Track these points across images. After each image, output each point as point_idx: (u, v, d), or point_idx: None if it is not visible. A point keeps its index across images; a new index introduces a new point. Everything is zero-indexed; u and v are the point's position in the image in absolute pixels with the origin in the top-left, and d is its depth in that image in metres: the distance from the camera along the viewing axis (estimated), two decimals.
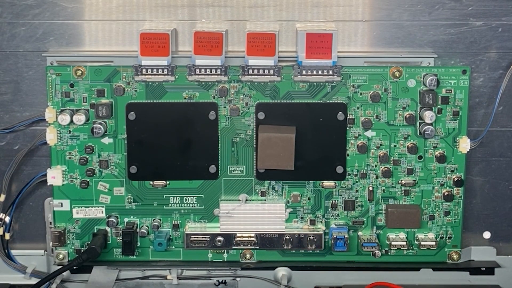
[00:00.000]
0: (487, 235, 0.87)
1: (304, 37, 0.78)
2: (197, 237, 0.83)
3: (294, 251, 0.84)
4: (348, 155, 0.82)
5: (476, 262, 0.86)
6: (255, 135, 0.82)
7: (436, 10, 0.82)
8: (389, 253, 0.84)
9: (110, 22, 0.82)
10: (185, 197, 0.83)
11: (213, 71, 0.79)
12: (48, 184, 0.83)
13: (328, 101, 0.81)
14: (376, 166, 0.83)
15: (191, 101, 0.81)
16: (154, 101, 0.81)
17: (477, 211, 0.86)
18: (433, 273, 0.85)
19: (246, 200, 0.83)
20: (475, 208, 0.86)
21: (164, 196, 0.83)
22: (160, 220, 0.84)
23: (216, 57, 0.79)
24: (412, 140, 0.82)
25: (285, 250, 0.84)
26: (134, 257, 0.85)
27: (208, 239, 0.83)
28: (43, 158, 0.85)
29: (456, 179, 0.83)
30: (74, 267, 0.84)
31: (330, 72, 0.80)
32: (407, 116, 0.81)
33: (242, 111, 0.82)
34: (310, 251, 0.84)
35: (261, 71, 0.80)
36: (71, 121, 0.80)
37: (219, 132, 0.82)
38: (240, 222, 0.83)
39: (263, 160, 0.80)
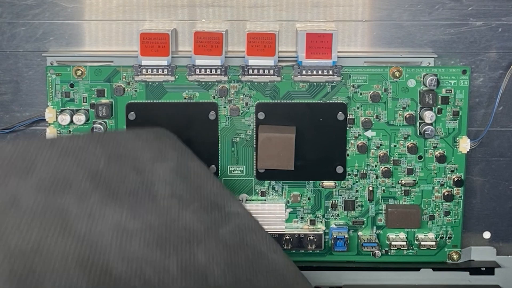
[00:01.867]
0: (487, 235, 0.87)
1: (304, 37, 0.78)
2: None
3: (294, 251, 0.84)
4: (348, 155, 0.82)
5: (476, 262, 0.86)
6: (255, 135, 0.82)
7: (436, 10, 0.82)
8: (389, 253, 0.84)
9: (110, 22, 0.82)
10: None
11: (213, 71, 0.79)
12: None
13: (328, 101, 0.81)
14: (376, 166, 0.83)
15: (191, 101, 0.81)
16: (154, 101, 0.81)
17: (477, 211, 0.86)
18: (433, 273, 0.84)
19: (246, 200, 0.83)
20: (475, 208, 0.86)
21: None
22: None
23: (216, 57, 0.79)
24: (412, 140, 0.82)
25: (285, 250, 0.84)
26: None
27: None
28: None
29: (456, 179, 0.83)
30: None
31: (330, 72, 0.80)
32: (407, 116, 0.81)
33: (242, 111, 0.82)
34: (310, 251, 0.84)
35: (261, 71, 0.80)
36: (71, 121, 0.80)
37: (219, 132, 0.82)
38: None
39: (263, 160, 0.80)
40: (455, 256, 0.84)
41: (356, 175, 0.83)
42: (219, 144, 0.82)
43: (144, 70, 0.79)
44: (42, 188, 0.57)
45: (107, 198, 0.59)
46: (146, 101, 0.81)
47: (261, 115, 0.81)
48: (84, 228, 0.55)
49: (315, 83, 0.81)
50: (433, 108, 0.81)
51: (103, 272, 0.51)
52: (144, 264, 0.54)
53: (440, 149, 0.82)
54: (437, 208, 0.84)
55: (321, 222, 0.84)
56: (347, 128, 0.82)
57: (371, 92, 0.81)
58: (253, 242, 0.63)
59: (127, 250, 0.55)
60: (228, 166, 0.83)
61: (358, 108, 0.82)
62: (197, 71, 0.79)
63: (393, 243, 0.83)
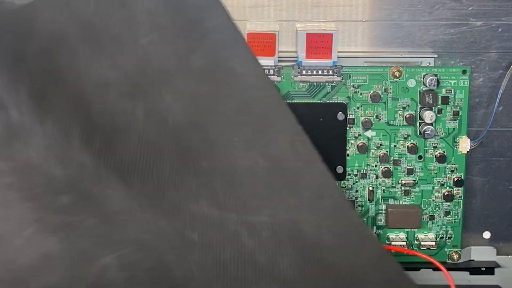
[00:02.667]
0: (487, 235, 0.87)
1: (304, 37, 0.78)
2: None
3: None
4: (348, 155, 0.82)
5: (476, 262, 0.86)
6: None
7: (436, 10, 0.82)
8: (389, 253, 0.84)
9: None
10: None
11: None
12: None
13: (328, 101, 0.81)
14: (376, 166, 0.83)
15: None
16: None
17: (477, 211, 0.86)
18: (433, 273, 0.84)
19: None
20: (475, 208, 0.86)
21: None
22: None
23: None
24: (412, 140, 0.82)
25: None
26: None
27: None
28: None
29: (456, 179, 0.83)
30: None
31: (330, 72, 0.80)
32: (407, 116, 0.81)
33: None
34: None
35: None
36: None
37: None
38: None
39: None
40: (455, 256, 0.84)
41: (356, 175, 0.83)
42: None
43: None
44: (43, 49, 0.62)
45: (93, 48, 0.61)
46: None
47: None
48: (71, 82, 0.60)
49: (315, 83, 0.81)
50: (433, 108, 0.81)
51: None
52: (116, 115, 0.59)
53: (440, 149, 0.82)
54: (437, 208, 0.84)
55: None
56: (347, 128, 0.82)
57: (371, 92, 0.81)
58: (225, 61, 0.63)
59: (105, 102, 0.59)
60: None
61: (358, 108, 0.82)
62: None
63: (393, 243, 0.83)
